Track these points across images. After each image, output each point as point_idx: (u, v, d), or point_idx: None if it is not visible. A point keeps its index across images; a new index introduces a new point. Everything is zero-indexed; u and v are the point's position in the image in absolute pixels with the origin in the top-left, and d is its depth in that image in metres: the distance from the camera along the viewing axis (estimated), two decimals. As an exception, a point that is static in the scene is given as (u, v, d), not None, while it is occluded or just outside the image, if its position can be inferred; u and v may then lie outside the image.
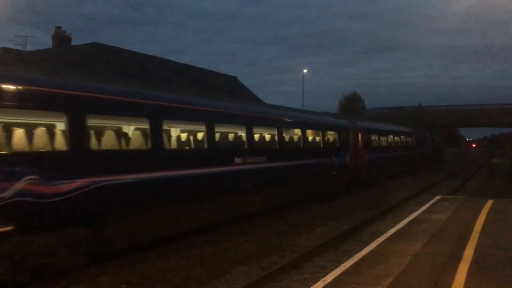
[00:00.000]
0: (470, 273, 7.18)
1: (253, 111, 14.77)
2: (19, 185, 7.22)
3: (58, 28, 31.00)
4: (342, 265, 7.83)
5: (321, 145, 18.77)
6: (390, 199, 19.84)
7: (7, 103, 7.37)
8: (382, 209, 16.70)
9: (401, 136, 33.71)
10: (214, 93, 19.62)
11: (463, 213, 13.03)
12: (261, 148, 14.35)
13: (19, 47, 31.80)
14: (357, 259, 8.11)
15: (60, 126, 8.43)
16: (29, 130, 7.91)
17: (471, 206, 14.35)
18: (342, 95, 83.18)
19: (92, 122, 8.81)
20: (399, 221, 12.11)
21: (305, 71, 56.49)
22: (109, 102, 9.21)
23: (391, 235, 10.11)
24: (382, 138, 28.48)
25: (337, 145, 20.29)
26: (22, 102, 7.58)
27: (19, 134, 7.71)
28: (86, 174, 8.31)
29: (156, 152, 10.03)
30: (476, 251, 8.54)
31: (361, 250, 8.85)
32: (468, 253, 8.42)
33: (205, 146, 11.75)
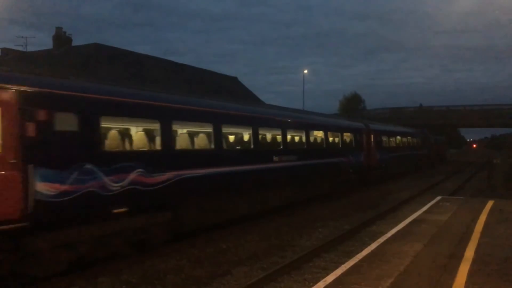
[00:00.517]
0: (471, 273, 7.17)
1: (287, 116, 16.85)
2: (131, 176, 9.37)
3: (58, 28, 30.98)
4: (342, 265, 7.82)
5: (340, 146, 20.95)
6: (391, 199, 19.83)
7: (123, 114, 9.78)
8: (382, 209, 16.70)
9: (408, 137, 35.84)
10: (258, 102, 22.67)
11: (463, 214, 13.02)
12: (293, 149, 16.38)
13: (20, 48, 31.86)
14: (357, 259, 8.10)
15: (155, 131, 10.53)
16: (136, 134, 10.41)
17: (472, 207, 14.34)
18: (342, 96, 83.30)
19: (175, 127, 11.09)
20: (399, 222, 12.11)
21: (305, 71, 56.63)
22: (188, 111, 11.62)
23: (392, 236, 10.10)
24: (391, 139, 30.51)
25: (353, 145, 22.42)
26: (132, 113, 9.96)
27: (130, 137, 10.14)
28: (172, 169, 10.47)
29: (217, 152, 12.24)
30: (477, 252, 8.52)
31: (361, 251, 8.84)
32: (469, 253, 8.41)
33: (251, 147, 13.99)
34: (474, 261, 7.87)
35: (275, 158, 14.89)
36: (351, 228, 13.20)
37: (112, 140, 9.48)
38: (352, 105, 77.66)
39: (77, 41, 31.92)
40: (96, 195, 8.64)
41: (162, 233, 10.42)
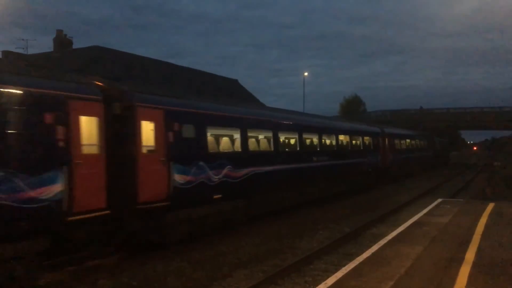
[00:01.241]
0: (472, 276, 7.16)
1: (321, 122, 20.42)
2: (224, 171, 12.47)
3: (59, 31, 30.97)
4: (343, 268, 7.81)
5: (361, 148, 24.12)
6: (391, 202, 19.82)
7: (219, 124, 12.93)
8: (383, 212, 16.69)
9: (416, 140, 39.35)
10: (302, 113, 25.50)
11: (464, 216, 13.01)
12: (326, 150, 19.49)
13: (20, 51, 31.86)
14: (358, 262, 8.10)
15: (236, 136, 13.66)
16: (225, 139, 13.33)
17: (472, 209, 14.33)
18: (343, 98, 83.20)
19: (249, 134, 14.18)
20: (400, 224, 12.10)
21: (306, 74, 56.35)
22: (257, 121, 14.86)
23: (393, 238, 10.09)
24: (402, 142, 33.69)
25: (371, 147, 25.54)
26: (224, 123, 13.20)
27: (221, 141, 13.15)
28: (248, 166, 13.57)
29: (275, 153, 15.44)
30: (478, 254, 8.52)
31: (362, 253, 8.83)
32: (470, 256, 8.41)
33: (297, 149, 17.17)
34: (475, 264, 7.86)
35: (314, 158, 18.05)
36: (352, 231, 13.19)
37: (213, 144, 12.54)
38: (353, 107, 77.58)
39: (77, 44, 32.05)
40: (205, 184, 11.71)
41: (241, 216, 13.41)
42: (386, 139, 28.41)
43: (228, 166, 12.63)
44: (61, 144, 8.34)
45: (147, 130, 10.14)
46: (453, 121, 65.02)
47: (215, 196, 12.09)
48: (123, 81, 13.70)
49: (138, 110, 9.92)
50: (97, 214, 8.92)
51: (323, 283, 7.01)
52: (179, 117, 11.06)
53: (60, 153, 8.32)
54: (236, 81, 43.71)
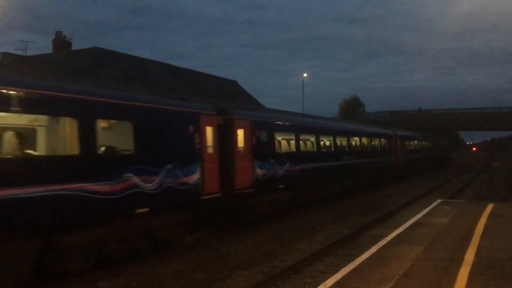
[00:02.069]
0: (471, 277, 7.16)
1: (348, 127, 24.67)
2: (285, 167, 15.70)
3: (58, 33, 30.96)
4: (343, 269, 7.80)
5: (379, 149, 27.83)
6: (391, 203, 19.82)
7: (281, 130, 16.55)
8: (382, 213, 16.70)
9: (423, 141, 43.26)
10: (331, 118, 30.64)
11: (463, 217, 13.01)
12: (352, 151, 22.74)
13: (20, 52, 31.84)
14: (358, 263, 8.09)
15: (291, 140, 17.17)
16: (284, 142, 17.03)
17: (472, 210, 14.33)
18: (342, 99, 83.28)
19: (301, 138, 17.55)
20: (399, 225, 12.09)
21: (305, 75, 56.34)
22: (306, 127, 18.56)
23: (392, 239, 10.09)
24: (411, 143, 37.75)
25: (387, 148, 29.33)
26: (285, 129, 16.87)
27: (281, 143, 16.60)
28: (300, 163, 16.74)
29: (316, 153, 18.83)
30: (477, 255, 8.51)
31: (362, 254, 8.82)
32: (469, 257, 8.40)
33: (332, 149, 20.73)
34: (474, 265, 7.86)
35: (344, 158, 21.51)
36: (351, 232, 13.19)
37: (278, 145, 16.11)
38: (352, 108, 77.68)
39: (77, 45, 32.00)
40: (273, 177, 14.97)
41: (296, 202, 16.71)
42: (398, 141, 31.76)
43: (288, 163, 15.87)
44: (197, 146, 11.68)
45: (240, 135, 13.50)
46: (452, 122, 65.08)
47: (280, 186, 15.35)
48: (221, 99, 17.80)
49: (235, 121, 13.24)
50: (215, 195, 12.24)
51: (322, 284, 7.00)
52: (258, 126, 14.43)
53: (198, 152, 11.66)
54: (235, 82, 43.75)
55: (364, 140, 25.15)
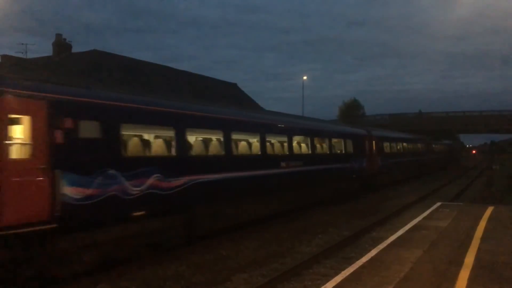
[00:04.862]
0: (471, 280, 7.16)
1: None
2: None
3: (58, 35, 30.98)
4: (342, 272, 7.81)
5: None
6: (390, 205, 19.80)
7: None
8: (382, 215, 16.67)
9: (438, 145, 48.32)
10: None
11: (463, 220, 13.01)
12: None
13: (20, 55, 31.85)
14: (357, 266, 8.09)
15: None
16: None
17: (472, 213, 14.33)
18: (342, 102, 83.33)
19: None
20: (399, 228, 12.09)
21: (305, 78, 56.55)
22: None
23: (392, 242, 10.09)
24: (436, 147, 43.56)
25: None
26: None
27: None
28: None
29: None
30: (477, 258, 8.52)
31: (361, 257, 8.82)
32: (469, 260, 8.41)
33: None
34: (474, 268, 7.86)
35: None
36: (351, 234, 13.18)
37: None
38: (352, 111, 77.67)
39: (77, 48, 31.96)
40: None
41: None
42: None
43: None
44: None
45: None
46: (452, 124, 65.13)
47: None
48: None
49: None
50: None
51: (322, 287, 7.01)
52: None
53: None
54: (235, 84, 43.77)
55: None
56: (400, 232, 11.25)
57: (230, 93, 38.99)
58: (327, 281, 7.49)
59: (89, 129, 8.87)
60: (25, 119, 7.89)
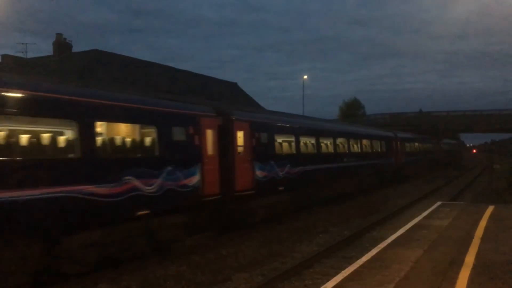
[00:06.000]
0: (471, 279, 7.16)
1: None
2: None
3: (59, 35, 30.98)
4: (343, 271, 7.80)
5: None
6: (391, 205, 19.82)
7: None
8: (383, 215, 16.69)
9: (445, 145, 51.15)
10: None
11: (464, 219, 13.00)
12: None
13: (20, 54, 31.86)
14: (358, 265, 8.09)
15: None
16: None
17: (472, 212, 14.31)
18: (342, 101, 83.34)
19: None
20: (400, 227, 12.08)
21: (305, 77, 56.40)
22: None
23: (392, 241, 10.08)
24: (446, 147, 45.15)
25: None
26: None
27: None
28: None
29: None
30: (477, 257, 8.51)
31: (362, 257, 8.82)
32: (469, 259, 8.40)
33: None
34: (475, 267, 7.85)
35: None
36: (352, 234, 13.19)
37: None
38: (352, 110, 77.68)
39: (77, 48, 31.93)
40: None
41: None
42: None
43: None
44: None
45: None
46: (452, 124, 65.03)
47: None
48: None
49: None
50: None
51: (322, 286, 7.01)
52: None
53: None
54: (235, 84, 43.77)
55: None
56: (400, 232, 11.25)
57: (231, 92, 39.01)
58: (328, 280, 7.49)
59: (263, 138, 14.69)
60: (240, 133, 13.47)
